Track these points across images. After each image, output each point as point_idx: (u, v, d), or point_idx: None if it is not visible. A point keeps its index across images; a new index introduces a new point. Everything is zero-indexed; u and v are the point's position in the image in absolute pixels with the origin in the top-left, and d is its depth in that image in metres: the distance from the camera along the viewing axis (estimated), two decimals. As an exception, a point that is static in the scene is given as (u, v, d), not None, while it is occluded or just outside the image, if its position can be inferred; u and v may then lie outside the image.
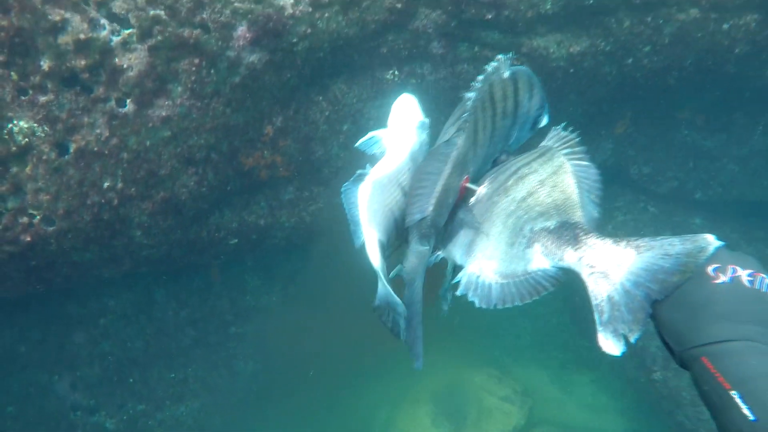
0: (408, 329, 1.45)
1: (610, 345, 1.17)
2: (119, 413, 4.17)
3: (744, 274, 1.09)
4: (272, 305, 4.55)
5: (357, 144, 1.70)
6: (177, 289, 4.20)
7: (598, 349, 1.17)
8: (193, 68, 2.57)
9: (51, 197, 2.55)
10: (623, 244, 1.23)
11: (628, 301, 1.17)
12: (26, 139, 2.39)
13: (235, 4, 2.55)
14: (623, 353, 1.14)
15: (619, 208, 4.57)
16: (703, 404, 1.04)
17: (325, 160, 3.46)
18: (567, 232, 1.32)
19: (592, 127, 3.96)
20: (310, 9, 2.71)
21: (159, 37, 2.44)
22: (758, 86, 3.50)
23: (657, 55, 3.21)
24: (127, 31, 2.40)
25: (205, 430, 4.46)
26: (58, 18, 2.25)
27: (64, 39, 2.29)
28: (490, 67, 1.44)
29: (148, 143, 2.66)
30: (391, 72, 3.28)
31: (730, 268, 1.10)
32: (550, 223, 1.35)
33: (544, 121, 1.63)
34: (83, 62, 2.35)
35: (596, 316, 1.20)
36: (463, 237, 1.45)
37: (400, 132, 1.68)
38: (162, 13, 2.43)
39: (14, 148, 2.39)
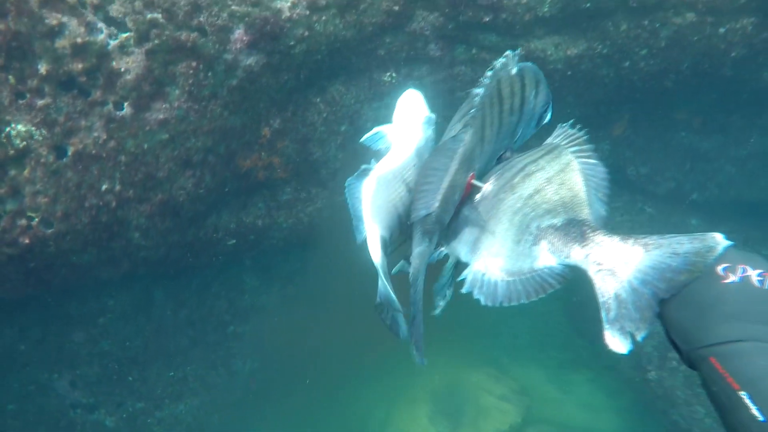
0: (411, 326, 1.43)
1: (617, 343, 1.16)
2: (118, 411, 4.20)
3: (754, 274, 1.08)
4: (270, 305, 4.57)
5: (362, 139, 1.68)
6: (176, 288, 4.22)
7: (605, 346, 1.16)
8: (191, 71, 2.58)
9: (49, 200, 2.56)
10: (631, 241, 1.22)
11: (635, 299, 1.16)
12: (24, 143, 2.41)
13: (233, 7, 2.55)
14: (630, 351, 1.13)
15: (617, 209, 4.59)
16: (712, 404, 1.03)
17: (323, 161, 3.47)
18: (574, 229, 1.30)
19: (590, 128, 3.95)
20: (308, 12, 2.72)
21: (156, 41, 2.45)
22: (755, 89, 3.51)
23: (654, 58, 3.21)
24: (124, 35, 2.40)
25: (204, 429, 4.49)
26: (55, 22, 2.26)
27: (61, 43, 2.30)
28: (498, 63, 1.42)
29: (145, 146, 2.67)
30: (388, 74, 3.29)
31: (740, 267, 1.09)
32: (557, 221, 1.34)
33: (548, 117, 1.63)
34: (80, 66, 2.36)
35: (603, 314, 1.18)
36: (468, 234, 1.43)
37: (406, 128, 1.66)
38: (159, 16, 2.43)
39: (12, 152, 2.40)
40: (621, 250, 1.21)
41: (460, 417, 5.14)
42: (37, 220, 2.60)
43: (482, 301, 1.34)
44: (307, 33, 2.77)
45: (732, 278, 1.08)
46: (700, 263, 1.12)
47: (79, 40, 2.31)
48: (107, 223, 2.80)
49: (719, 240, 1.13)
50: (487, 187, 1.46)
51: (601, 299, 1.20)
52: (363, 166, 1.58)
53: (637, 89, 3.48)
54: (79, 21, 2.30)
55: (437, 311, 1.52)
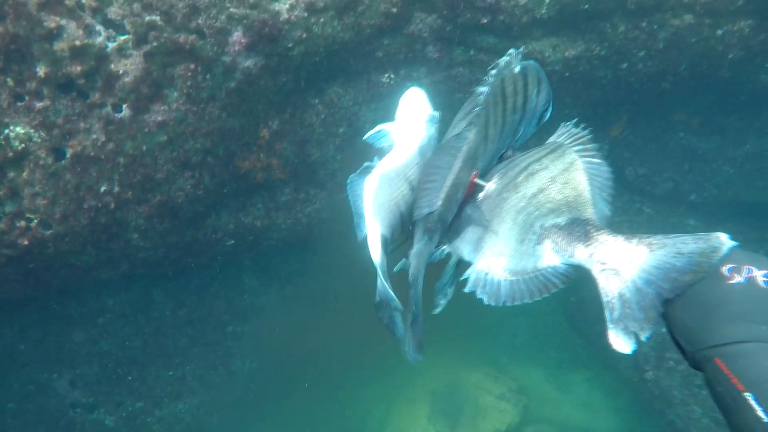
0: (411, 324, 1.42)
1: (621, 343, 1.15)
2: (118, 410, 4.21)
3: (759, 275, 1.07)
4: (269, 305, 4.58)
5: (365, 137, 1.66)
6: (175, 288, 4.23)
7: (608, 346, 1.15)
8: (189, 73, 2.58)
9: (48, 201, 2.57)
10: (635, 241, 1.20)
11: (639, 299, 1.15)
12: (23, 145, 2.41)
13: (231, 10, 2.56)
14: (634, 351, 1.13)
15: (615, 209, 4.60)
16: (716, 405, 1.03)
17: (321, 162, 3.48)
18: (578, 228, 1.29)
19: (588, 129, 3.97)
20: (306, 14, 2.72)
21: (154, 43, 2.46)
22: (752, 90, 3.52)
23: (652, 59, 3.22)
24: (122, 37, 2.41)
25: (203, 428, 4.50)
26: (53, 25, 2.27)
27: (59, 45, 2.31)
28: (502, 61, 1.41)
29: (144, 148, 2.67)
30: (387, 75, 3.29)
31: (745, 268, 1.08)
32: (561, 220, 1.33)
33: (548, 115, 1.61)
34: (79, 68, 2.36)
35: (607, 314, 1.17)
36: (471, 233, 1.42)
37: (409, 125, 1.64)
38: (157, 18, 2.44)
39: (11, 154, 2.41)
40: (625, 249, 1.20)
41: (458, 416, 5.16)
42: (36, 221, 2.61)
43: (485, 301, 1.33)
44: (305, 35, 2.77)
45: (737, 279, 1.07)
46: (705, 263, 1.11)
47: (77, 42, 2.32)
48: (106, 225, 2.81)
49: (724, 240, 1.12)
50: (490, 186, 1.44)
51: (604, 299, 1.19)
52: (366, 164, 1.57)
53: (635, 91, 3.49)
54: (77, 24, 2.31)
55: (438, 310, 1.51)
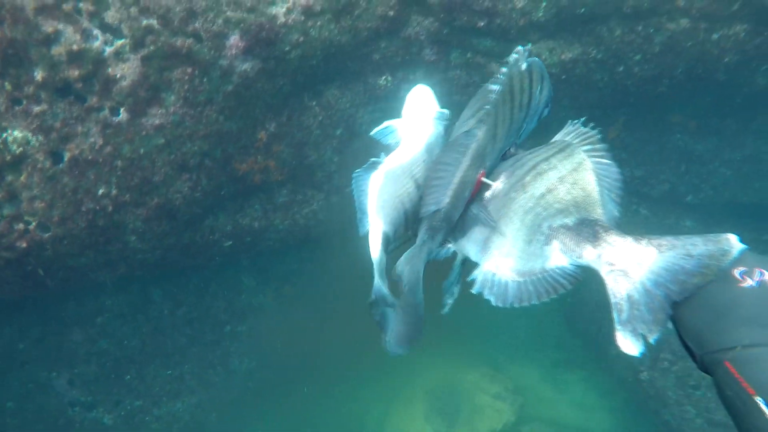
0: (399, 318, 1.40)
1: (629, 345, 1.14)
2: (117, 409, 4.24)
3: None
4: (267, 304, 4.60)
5: (372, 132, 1.64)
6: (173, 288, 4.25)
7: (614, 346, 1.14)
8: (186, 77, 2.59)
9: (46, 204, 2.59)
10: (644, 242, 1.19)
11: (648, 300, 1.14)
12: (21, 149, 2.43)
13: (228, 14, 2.57)
14: (641, 353, 1.12)
15: (612, 211, 4.61)
16: (725, 409, 1.02)
17: (318, 164, 3.49)
18: (586, 228, 1.28)
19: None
20: (303, 17, 2.73)
21: (152, 47, 2.47)
22: (748, 93, 3.53)
23: (648, 63, 3.23)
24: (120, 42, 2.42)
25: (202, 426, 4.53)
26: (51, 29, 2.28)
27: (57, 50, 2.32)
28: (511, 59, 1.40)
29: (142, 151, 2.69)
30: (384, 78, 3.31)
31: (757, 271, 1.07)
32: (569, 220, 1.31)
33: (546, 112, 1.60)
34: (77, 72, 2.38)
35: (615, 315, 1.16)
36: (478, 233, 1.40)
37: (417, 122, 1.62)
38: (155, 22, 2.45)
39: (9, 157, 2.43)
40: (634, 250, 1.19)
41: (455, 416, 5.19)
42: (34, 224, 2.63)
43: (493, 302, 1.31)
44: (302, 38, 2.78)
45: (749, 282, 1.06)
46: (714, 266, 1.10)
47: (75, 47, 2.33)
48: (104, 227, 2.82)
49: (733, 243, 1.11)
50: (498, 185, 1.42)
51: (613, 300, 1.17)
52: (372, 159, 1.54)
53: (632, 93, 3.50)
54: (75, 28, 2.32)
55: (446, 309, 1.50)
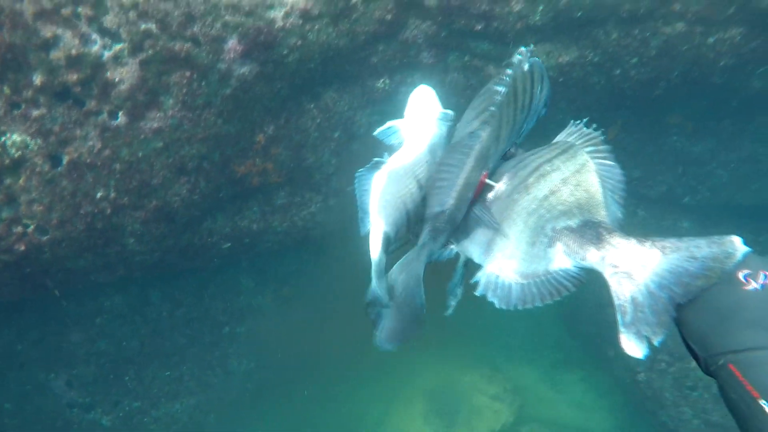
0: (392, 315, 1.39)
1: (633, 347, 1.13)
2: (115, 410, 4.24)
3: None
4: (266, 305, 4.61)
5: (375, 132, 1.63)
6: (172, 289, 4.26)
7: (618, 348, 1.14)
8: (185, 81, 2.60)
9: (44, 208, 2.60)
10: (648, 244, 1.19)
11: (652, 302, 1.14)
12: (19, 152, 2.44)
13: (226, 18, 2.58)
14: (645, 356, 1.12)
15: (609, 212, 4.62)
16: (729, 412, 1.02)
17: (316, 166, 3.50)
18: (590, 231, 1.27)
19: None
20: (301, 21, 2.74)
21: (150, 51, 2.48)
22: (745, 96, 3.55)
23: (644, 66, 3.25)
24: (118, 46, 2.43)
25: (200, 427, 4.54)
26: (49, 34, 2.29)
27: (56, 54, 2.33)
28: (515, 60, 1.40)
29: (140, 154, 2.70)
30: (382, 81, 3.32)
31: (761, 274, 1.07)
32: (573, 222, 1.31)
33: (544, 111, 1.60)
34: (75, 77, 2.39)
35: (618, 317, 1.16)
36: (481, 235, 1.39)
37: (420, 123, 1.62)
38: (153, 27, 2.46)
39: (7, 161, 2.43)
40: (638, 252, 1.19)
41: (454, 416, 5.21)
42: (32, 227, 2.64)
43: (497, 305, 1.30)
44: (300, 42, 2.79)
45: (753, 285, 1.07)
46: (718, 269, 1.10)
47: (73, 51, 2.34)
48: (102, 230, 2.83)
49: (738, 245, 1.11)
50: (500, 186, 1.42)
51: (616, 302, 1.17)
52: (375, 159, 1.54)
53: (629, 96, 3.51)
54: (73, 33, 2.33)
55: (449, 311, 1.49)
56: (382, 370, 5.10)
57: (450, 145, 1.48)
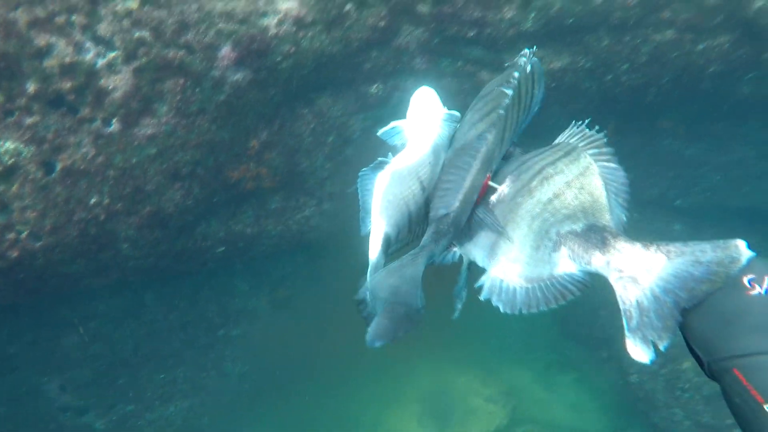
0: (386, 314, 1.36)
1: (639, 352, 1.13)
2: (109, 414, 4.24)
3: None
4: (261, 308, 4.62)
5: (378, 132, 1.61)
6: (166, 293, 4.26)
7: (627, 355, 1.14)
8: (178, 88, 2.61)
9: (38, 214, 2.60)
10: (653, 248, 1.19)
11: (657, 307, 1.13)
12: (12, 159, 2.44)
13: (220, 25, 2.59)
14: (652, 361, 1.12)
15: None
16: (733, 416, 1.03)
17: (310, 171, 3.52)
18: (595, 235, 1.27)
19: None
20: (294, 29, 2.76)
21: (144, 59, 2.49)
22: (734, 101, 3.59)
23: (635, 72, 3.28)
24: (112, 54, 2.44)
25: (194, 430, 4.54)
26: (43, 43, 2.29)
27: (49, 63, 2.33)
28: (520, 61, 1.40)
29: (134, 160, 2.71)
30: (375, 86, 3.34)
31: (766, 279, 1.07)
32: (577, 226, 1.30)
33: (537, 109, 1.59)
34: (69, 84, 2.39)
35: (624, 322, 1.16)
36: (484, 238, 1.39)
37: (424, 124, 1.60)
38: (147, 35, 2.47)
39: (0, 168, 2.44)
40: (643, 257, 1.19)
41: (448, 419, 5.23)
42: (25, 233, 2.64)
43: (501, 309, 1.30)
44: (293, 49, 2.81)
45: (758, 290, 1.06)
46: (723, 273, 1.10)
47: (67, 59, 2.35)
48: (96, 236, 2.84)
49: (742, 250, 1.11)
50: (503, 189, 1.41)
51: (622, 307, 1.17)
52: (379, 159, 1.52)
53: (620, 101, 3.55)
54: (67, 41, 2.33)
55: (456, 314, 1.48)
56: (376, 372, 5.12)
57: (458, 147, 1.47)
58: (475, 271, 1.41)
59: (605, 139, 1.44)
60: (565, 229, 1.30)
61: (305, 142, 3.38)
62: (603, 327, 4.66)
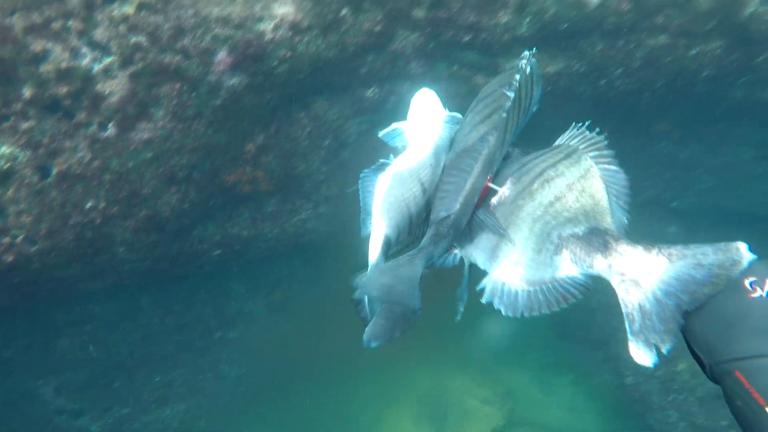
0: (383, 315, 1.37)
1: (642, 355, 1.13)
2: (104, 417, 4.24)
3: None
4: (257, 311, 4.62)
5: (380, 134, 1.61)
6: (163, 296, 4.26)
7: (630, 358, 1.15)
8: (174, 93, 2.62)
9: (33, 218, 2.60)
10: (655, 251, 1.19)
11: (659, 310, 1.14)
12: (8, 164, 2.44)
13: (216, 31, 2.60)
14: (655, 364, 1.11)
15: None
16: (735, 419, 1.03)
17: (306, 174, 3.53)
18: (596, 238, 1.27)
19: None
20: (290, 33, 2.77)
21: (140, 64, 2.49)
22: (727, 105, 3.62)
23: (629, 77, 3.31)
24: (108, 59, 2.44)
25: (190, 433, 4.54)
26: (39, 48, 2.30)
27: (46, 68, 2.34)
28: (522, 63, 1.40)
29: (130, 164, 2.71)
30: (371, 90, 3.35)
31: (767, 281, 1.07)
32: (579, 229, 1.30)
33: (534, 109, 1.58)
34: (65, 89, 2.40)
35: (627, 325, 1.16)
36: (486, 241, 1.39)
37: (425, 125, 1.60)
38: (143, 40, 2.48)
39: (-3, 173, 2.44)
40: (645, 260, 1.19)
41: (444, 421, 5.24)
42: (21, 238, 2.64)
43: (503, 312, 1.30)
44: (289, 54, 2.82)
45: (759, 293, 1.06)
46: (724, 276, 1.10)
47: (63, 65, 2.35)
48: (92, 240, 2.84)
49: (744, 252, 1.11)
50: (504, 191, 1.41)
51: (624, 310, 1.18)
52: (381, 160, 1.52)
53: (614, 105, 3.57)
54: (63, 46, 2.34)
55: (458, 317, 1.47)
56: (372, 374, 5.13)
57: (460, 149, 1.47)
58: (476, 273, 1.41)
59: (606, 142, 1.45)
60: (567, 232, 1.31)
61: (301, 145, 3.39)
62: (599, 329, 4.68)
